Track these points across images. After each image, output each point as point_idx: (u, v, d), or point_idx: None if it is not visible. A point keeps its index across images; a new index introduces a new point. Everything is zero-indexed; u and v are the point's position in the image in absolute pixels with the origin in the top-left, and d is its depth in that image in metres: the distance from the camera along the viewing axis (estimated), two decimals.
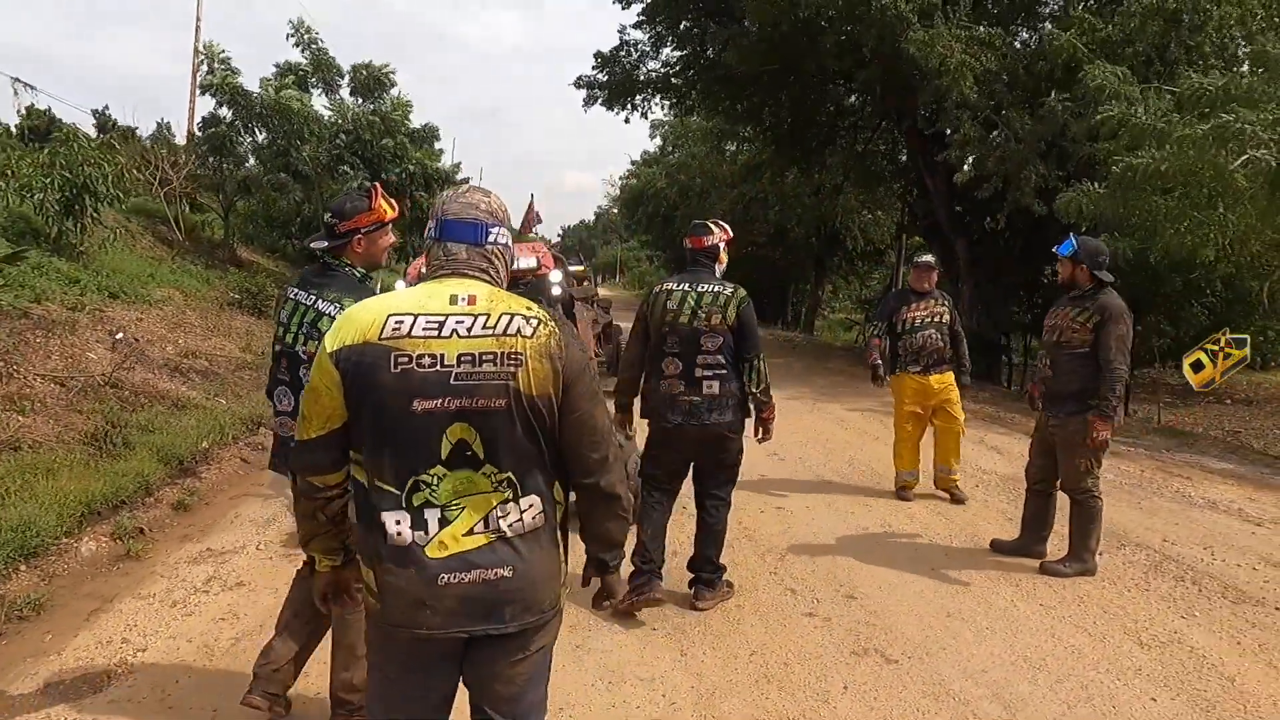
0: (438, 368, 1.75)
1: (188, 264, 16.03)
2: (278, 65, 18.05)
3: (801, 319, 28.28)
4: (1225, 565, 4.81)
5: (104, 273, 12.30)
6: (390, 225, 2.98)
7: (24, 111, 22.11)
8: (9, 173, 12.38)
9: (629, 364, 4.34)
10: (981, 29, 11.56)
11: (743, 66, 13.65)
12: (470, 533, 1.79)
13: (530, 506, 1.83)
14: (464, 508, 1.79)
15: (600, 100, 16.35)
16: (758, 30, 12.66)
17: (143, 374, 8.90)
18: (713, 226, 4.24)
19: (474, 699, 1.94)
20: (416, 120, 19.91)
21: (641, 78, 16.39)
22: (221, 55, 17.52)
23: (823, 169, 17.89)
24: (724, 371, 3.98)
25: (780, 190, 21.45)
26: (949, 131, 11.96)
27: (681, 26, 15.66)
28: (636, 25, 15.68)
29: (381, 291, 2.47)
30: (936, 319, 6.01)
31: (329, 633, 2.99)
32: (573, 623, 3.90)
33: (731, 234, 4.33)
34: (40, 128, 21.40)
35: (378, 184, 3.06)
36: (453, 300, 1.81)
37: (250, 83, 17.45)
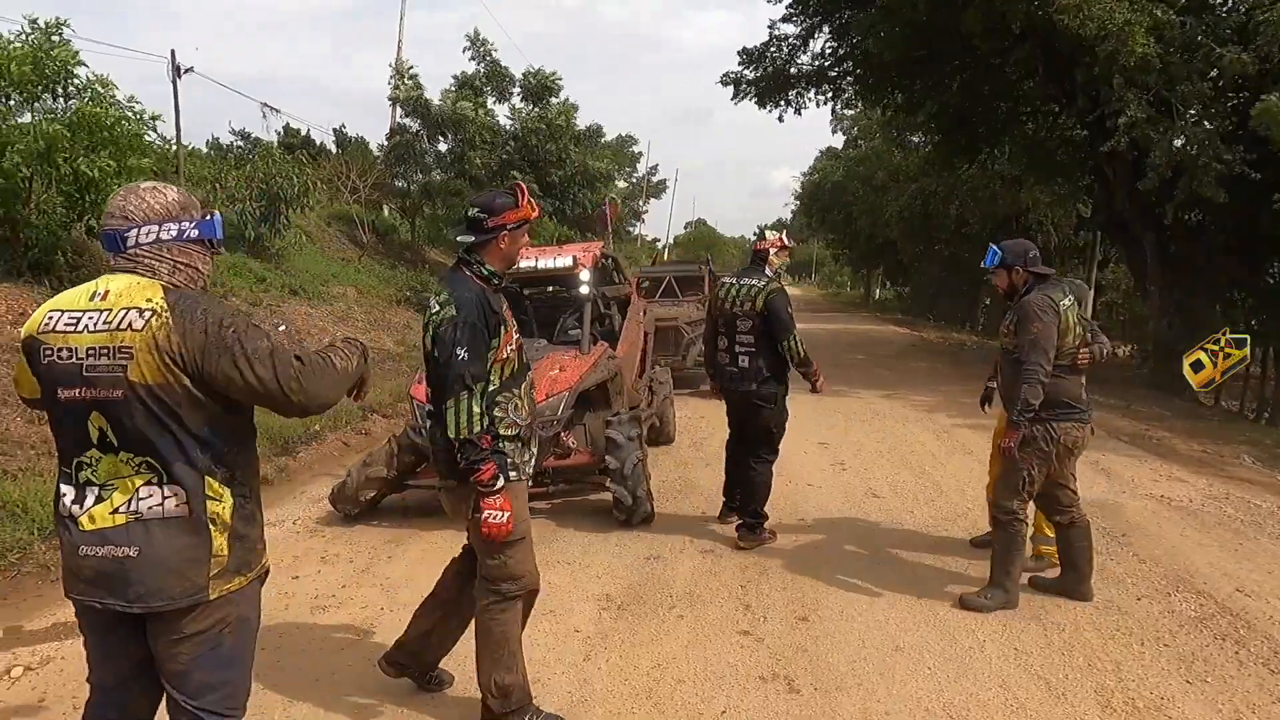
0: (72, 360, 1.94)
1: (374, 264, 17.76)
2: (455, 77, 19.49)
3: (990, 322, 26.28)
4: None
5: (291, 272, 13.97)
6: (528, 226, 2.98)
7: (280, 131, 25.64)
8: (219, 184, 14.38)
9: (705, 343, 5.45)
10: None
11: (887, 53, 12.95)
12: (116, 511, 1.96)
13: (173, 495, 1.96)
14: (116, 488, 1.97)
15: (750, 96, 16.11)
16: (898, 14, 11.93)
17: None
18: (766, 234, 5.10)
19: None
20: (615, 126, 20.90)
21: (793, 72, 15.96)
22: (410, 71, 19.23)
23: (995, 159, 16.56)
24: (753, 350, 4.88)
25: (957, 183, 20.07)
26: (1112, 113, 10.62)
27: (835, 18, 15.09)
28: (785, 19, 15.32)
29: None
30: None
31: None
32: None
33: (786, 241, 5.15)
34: (294, 144, 24.76)
35: (521, 184, 3.13)
36: (93, 296, 1.97)
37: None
